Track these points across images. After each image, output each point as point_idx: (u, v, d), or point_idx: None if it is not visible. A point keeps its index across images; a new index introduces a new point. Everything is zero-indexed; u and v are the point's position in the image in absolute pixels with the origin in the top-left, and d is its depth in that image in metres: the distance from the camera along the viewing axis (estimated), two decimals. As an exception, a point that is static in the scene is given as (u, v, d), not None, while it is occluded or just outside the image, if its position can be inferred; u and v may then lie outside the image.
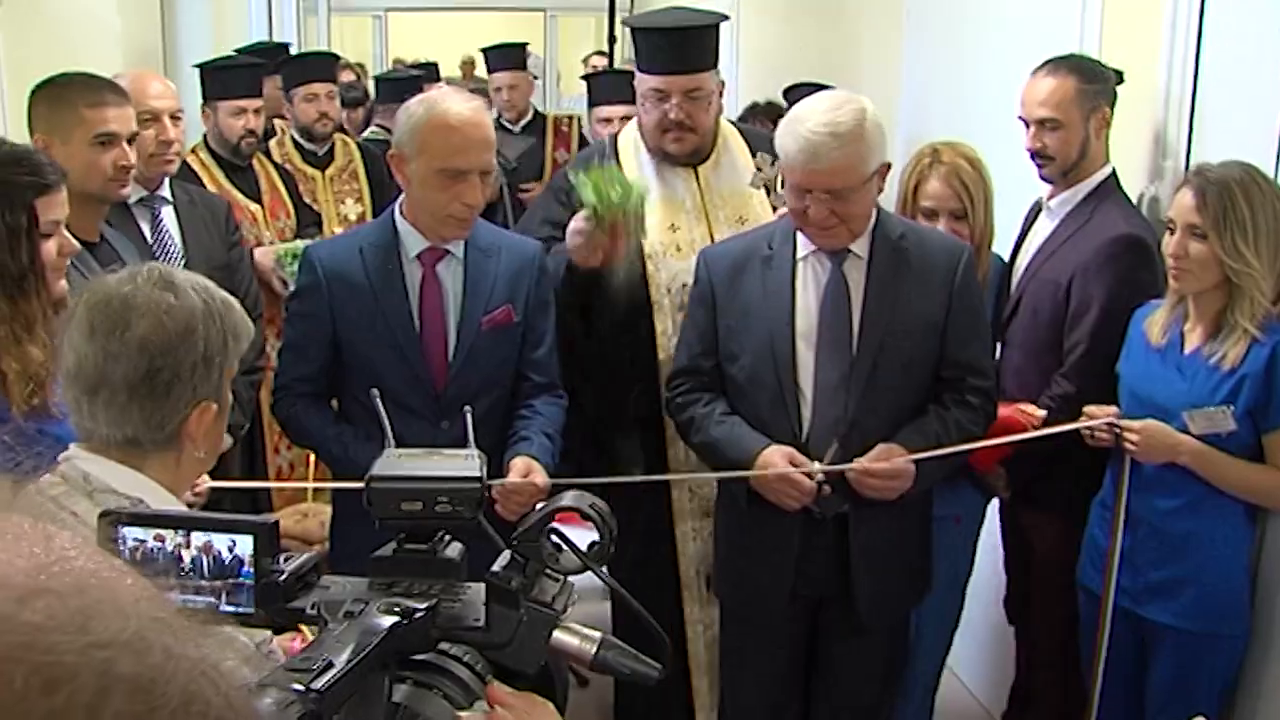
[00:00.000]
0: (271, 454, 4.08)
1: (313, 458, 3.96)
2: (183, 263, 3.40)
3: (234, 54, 4.64)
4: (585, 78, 6.22)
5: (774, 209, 3.23)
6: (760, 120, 5.28)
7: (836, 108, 2.62)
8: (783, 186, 3.22)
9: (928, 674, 3.44)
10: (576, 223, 2.97)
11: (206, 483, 2.47)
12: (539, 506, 1.15)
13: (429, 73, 6.46)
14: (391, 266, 2.77)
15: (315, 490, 3.93)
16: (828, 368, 2.73)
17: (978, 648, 3.95)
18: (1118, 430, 2.79)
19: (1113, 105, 3.11)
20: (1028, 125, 3.14)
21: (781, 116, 5.09)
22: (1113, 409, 2.84)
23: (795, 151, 2.61)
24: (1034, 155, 3.14)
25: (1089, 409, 2.87)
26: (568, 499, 1.15)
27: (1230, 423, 2.67)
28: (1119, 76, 3.12)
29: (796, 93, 4.32)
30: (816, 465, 2.68)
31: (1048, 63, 3.12)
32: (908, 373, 2.74)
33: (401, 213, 2.80)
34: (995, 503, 3.43)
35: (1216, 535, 2.76)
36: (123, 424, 1.66)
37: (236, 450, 3.57)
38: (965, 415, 2.77)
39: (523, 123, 6.04)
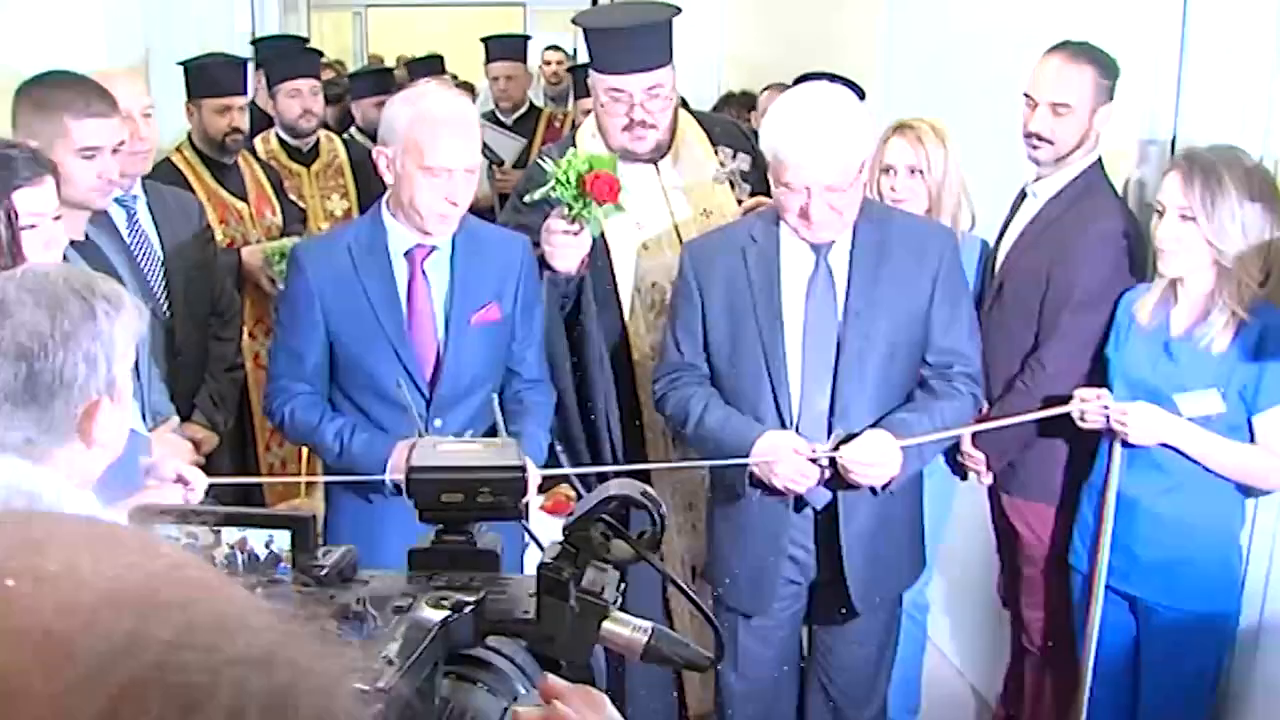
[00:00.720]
0: (263, 451, 4.06)
1: (305, 455, 3.95)
2: (161, 261, 3.39)
3: (217, 53, 4.61)
4: (570, 69, 6.20)
5: (738, 201, 3.23)
6: (735, 110, 5.29)
7: (827, 104, 2.63)
8: (745, 179, 3.25)
9: (911, 652, 3.50)
10: (552, 222, 2.90)
11: (202, 480, 2.46)
12: (588, 496, 1.14)
13: (431, 66, 6.35)
14: (381, 264, 2.76)
15: (307, 487, 3.92)
16: (814, 357, 2.73)
17: (971, 633, 3.98)
18: (1108, 413, 2.82)
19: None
20: (1030, 105, 3.08)
21: (754, 107, 5.09)
22: (1103, 391, 2.87)
23: (795, 154, 2.59)
24: (1030, 136, 3.08)
25: (1080, 391, 2.89)
26: (614, 487, 1.14)
27: (1220, 404, 2.70)
28: (1116, 69, 3.12)
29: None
30: (819, 447, 2.69)
31: (1067, 45, 3.07)
32: (893, 360, 2.76)
33: (388, 209, 2.79)
34: (985, 489, 3.46)
35: (1207, 516, 2.79)
36: (12, 428, 1.62)
37: (225, 448, 3.57)
38: (951, 404, 2.78)
39: (517, 114, 6.02)
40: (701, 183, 3.24)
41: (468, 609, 1.01)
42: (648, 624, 1.13)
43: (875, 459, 2.67)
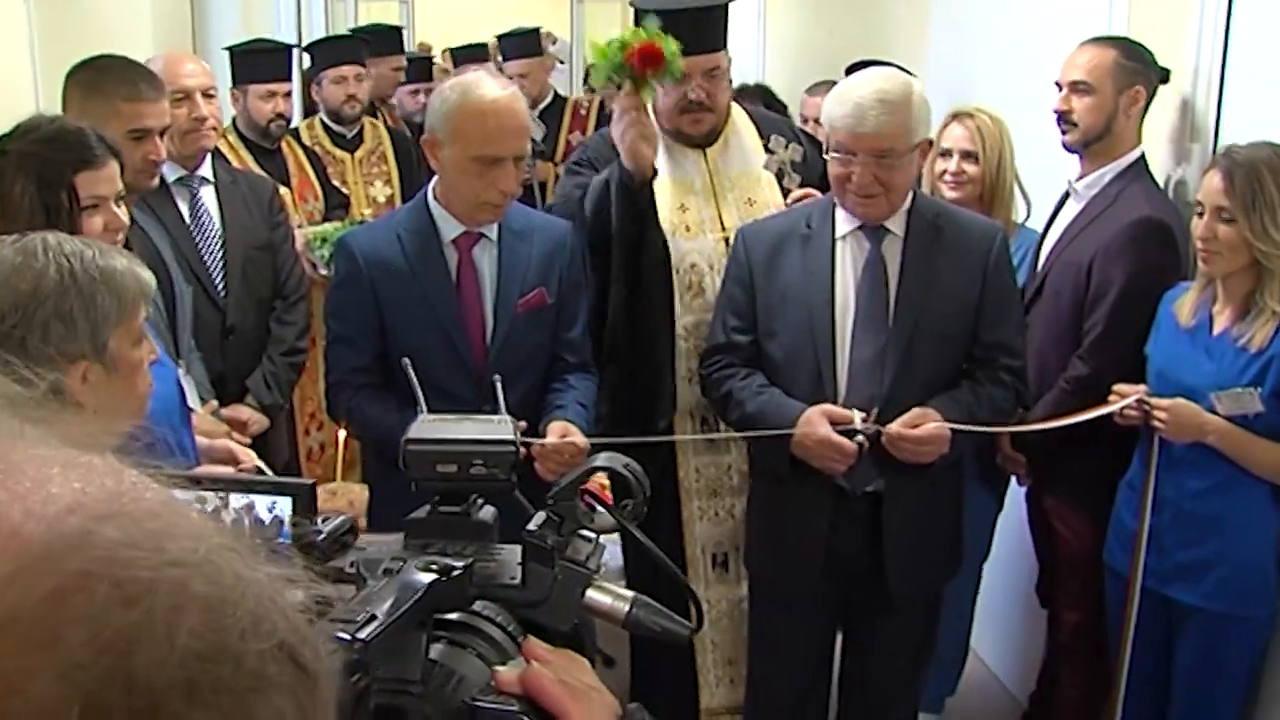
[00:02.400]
0: (302, 435, 4.12)
1: (342, 438, 3.99)
2: (221, 242, 3.44)
3: (263, 39, 4.66)
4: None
5: (785, 193, 3.24)
6: (750, 101, 5.22)
7: (886, 79, 2.71)
8: (795, 170, 3.26)
9: (950, 654, 3.48)
10: (618, 104, 2.98)
11: (252, 459, 2.50)
12: (574, 468, 1.16)
13: (476, 55, 6.30)
14: (432, 251, 2.78)
15: (344, 470, 3.96)
16: (864, 345, 2.75)
17: (1003, 633, 3.96)
18: (1147, 408, 2.79)
19: (1151, 94, 3.10)
20: (1061, 89, 3.16)
21: (771, 99, 5.08)
22: (1142, 387, 2.84)
23: (842, 115, 2.66)
24: (1060, 119, 3.16)
25: (1119, 387, 2.87)
26: (601, 459, 1.16)
27: (1257, 404, 2.67)
28: (1165, 75, 3.11)
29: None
30: (856, 414, 2.68)
31: (1097, 37, 3.18)
32: (942, 351, 2.77)
33: (435, 197, 2.81)
34: (1023, 489, 3.44)
35: (1243, 516, 2.77)
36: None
37: (283, 430, 3.61)
38: (998, 392, 2.79)
39: (541, 106, 6.04)
40: (747, 173, 3.27)
41: (455, 573, 1.03)
42: (630, 593, 1.14)
43: (920, 437, 2.67)
